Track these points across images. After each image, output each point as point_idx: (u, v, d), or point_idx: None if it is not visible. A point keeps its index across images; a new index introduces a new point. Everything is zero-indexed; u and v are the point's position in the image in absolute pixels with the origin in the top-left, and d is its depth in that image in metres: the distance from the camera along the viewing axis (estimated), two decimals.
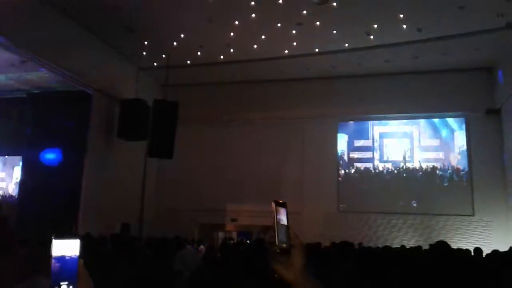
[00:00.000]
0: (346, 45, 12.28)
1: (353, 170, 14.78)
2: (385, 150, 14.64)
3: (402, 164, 14.37)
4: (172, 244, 6.58)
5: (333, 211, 14.13)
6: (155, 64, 13.57)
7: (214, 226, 15.18)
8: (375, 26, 11.17)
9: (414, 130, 14.54)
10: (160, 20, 11.12)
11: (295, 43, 12.25)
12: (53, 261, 1.00)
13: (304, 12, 10.65)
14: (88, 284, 1.05)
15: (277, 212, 1.21)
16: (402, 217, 13.75)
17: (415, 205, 13.89)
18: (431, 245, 3.46)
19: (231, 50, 12.72)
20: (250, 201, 13.65)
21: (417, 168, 14.19)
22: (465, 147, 13.84)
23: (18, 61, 10.84)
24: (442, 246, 3.40)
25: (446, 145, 14.15)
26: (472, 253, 6.39)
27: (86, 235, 6.96)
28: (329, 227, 12.88)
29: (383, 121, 14.78)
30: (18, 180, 12.84)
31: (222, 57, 13.21)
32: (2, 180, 13.57)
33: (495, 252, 5.54)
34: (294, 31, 11.60)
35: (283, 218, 1.21)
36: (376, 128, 14.84)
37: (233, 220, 14.79)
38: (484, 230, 12.96)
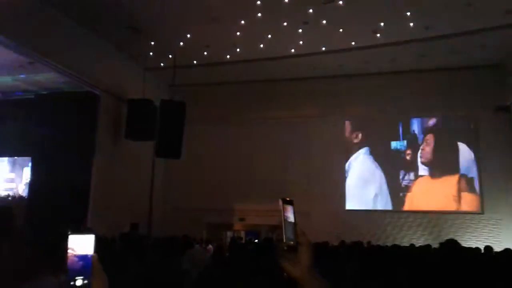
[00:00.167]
0: (353, 43, 12.24)
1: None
2: None
3: None
4: (181, 243, 6.59)
5: (341, 210, 14.10)
6: (161, 64, 13.61)
7: (222, 226, 15.18)
8: (382, 24, 11.12)
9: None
10: (166, 20, 11.15)
11: (301, 42, 12.23)
12: (69, 256, 1.02)
13: (310, 11, 10.63)
14: (102, 279, 1.07)
15: (284, 210, 1.22)
16: (411, 216, 13.68)
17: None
18: (441, 244, 3.44)
19: (238, 50, 12.73)
20: (258, 200, 13.65)
21: None
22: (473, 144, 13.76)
23: (26, 62, 10.91)
24: (452, 244, 3.38)
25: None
26: (482, 252, 6.34)
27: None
28: (337, 226, 12.85)
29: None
30: (28, 180, 12.93)
31: (228, 56, 13.22)
32: (12, 181, 13.69)
33: (508, 250, 5.49)
34: (300, 30, 11.58)
35: (290, 216, 1.22)
36: None
37: (241, 219, 14.81)
38: (494, 228, 12.87)
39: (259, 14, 10.82)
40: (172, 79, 13.38)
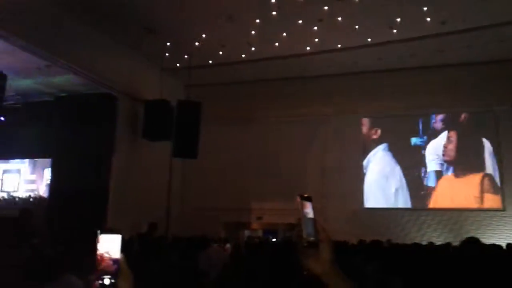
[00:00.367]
0: (369, 40, 12.14)
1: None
2: None
3: None
4: (198, 243, 6.63)
5: (358, 208, 14.01)
6: (177, 64, 13.69)
7: (239, 225, 15.23)
8: (398, 20, 11.00)
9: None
10: (182, 21, 11.22)
11: (316, 40, 12.17)
12: (97, 255, 1.04)
13: (325, 7, 10.57)
14: (129, 279, 1.08)
15: (302, 206, 1.22)
16: (431, 213, 13.52)
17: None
18: (462, 242, 3.40)
19: (253, 49, 12.73)
20: (275, 199, 13.65)
21: None
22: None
23: (44, 65, 11.07)
24: (473, 242, 3.33)
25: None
26: (504, 249, 6.23)
27: None
28: (355, 224, 12.77)
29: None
30: (48, 182, 13.15)
31: (243, 56, 13.24)
32: (33, 182, 13.93)
33: None
34: (315, 28, 11.53)
35: (309, 211, 1.22)
36: None
37: (259, 218, 14.82)
38: None
39: (274, 13, 10.80)
40: (188, 79, 13.47)
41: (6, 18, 8.64)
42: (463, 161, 13.70)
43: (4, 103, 9.75)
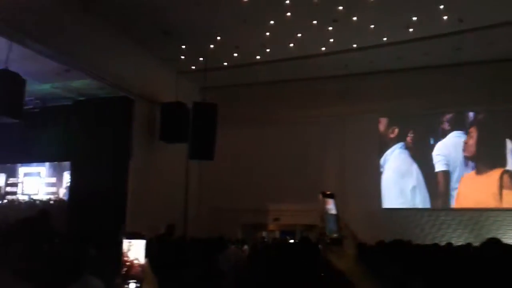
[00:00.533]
0: (385, 39, 12.04)
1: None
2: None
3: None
4: (216, 244, 6.66)
5: (376, 209, 13.90)
6: (193, 67, 13.78)
7: (256, 226, 15.24)
8: (414, 18, 10.90)
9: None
10: (196, 24, 11.27)
11: (331, 40, 12.13)
12: (123, 260, 1.06)
13: (340, 8, 10.52)
14: (153, 282, 1.10)
15: (324, 203, 1.22)
16: (451, 214, 13.34)
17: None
18: (483, 243, 3.35)
19: (267, 50, 12.74)
20: (292, 200, 13.64)
21: None
22: None
23: (63, 70, 11.24)
24: (494, 242, 3.28)
25: None
26: None
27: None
28: (373, 225, 12.66)
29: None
30: (68, 184, 13.34)
31: (258, 57, 13.26)
32: (53, 185, 14.14)
33: None
34: (330, 28, 11.49)
35: (331, 208, 1.22)
36: None
37: (276, 219, 14.81)
38: None
39: (288, 14, 10.79)
40: (203, 81, 13.54)
41: (25, 24, 8.80)
42: (484, 157, 13.50)
43: (24, 108, 9.91)
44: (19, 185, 14.55)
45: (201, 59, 13.09)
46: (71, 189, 12.95)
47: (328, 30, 11.56)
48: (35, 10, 8.96)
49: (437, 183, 13.90)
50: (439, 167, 13.98)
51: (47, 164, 14.34)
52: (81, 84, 12.24)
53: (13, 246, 1.94)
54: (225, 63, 13.64)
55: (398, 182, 14.31)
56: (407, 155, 14.37)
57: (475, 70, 13.02)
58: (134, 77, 12.07)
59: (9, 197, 14.50)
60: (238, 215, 14.38)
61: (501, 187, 13.14)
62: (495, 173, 13.29)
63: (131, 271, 1.07)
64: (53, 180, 14.17)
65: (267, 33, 11.78)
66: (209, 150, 12.52)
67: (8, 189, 14.62)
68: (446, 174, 13.89)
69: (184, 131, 12.67)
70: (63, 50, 9.94)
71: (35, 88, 11.77)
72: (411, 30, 11.37)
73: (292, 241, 10.94)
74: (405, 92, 13.70)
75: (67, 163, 13.44)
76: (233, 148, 14.63)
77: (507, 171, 13.20)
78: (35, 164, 14.46)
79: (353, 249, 1.19)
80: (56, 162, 14.09)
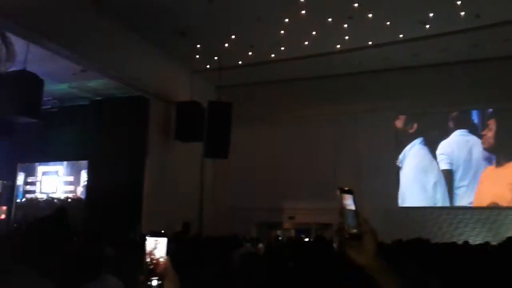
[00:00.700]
0: (401, 36, 11.93)
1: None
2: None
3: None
4: (232, 242, 6.68)
5: (393, 207, 13.78)
6: (208, 66, 13.83)
7: (271, 224, 15.25)
8: (431, 14, 10.76)
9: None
10: (211, 23, 11.31)
11: (347, 37, 12.05)
12: (146, 257, 1.08)
13: (356, 5, 10.44)
14: (174, 280, 1.12)
15: (342, 199, 1.23)
16: (469, 212, 13.16)
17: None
18: (502, 241, 3.30)
19: (282, 48, 12.71)
20: (307, 198, 13.61)
21: None
22: None
23: (79, 70, 11.39)
24: None
25: None
26: None
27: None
28: (390, 223, 12.55)
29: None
30: (85, 183, 13.53)
31: (273, 55, 13.24)
32: (71, 183, 14.35)
33: None
34: (345, 25, 11.41)
35: (349, 203, 1.23)
36: None
37: (291, 217, 14.79)
38: None
39: (303, 12, 10.75)
40: (218, 80, 13.58)
41: (42, 25, 8.93)
42: (503, 149, 13.33)
43: (42, 108, 10.06)
44: (38, 184, 14.80)
45: (215, 58, 13.12)
46: (89, 187, 13.14)
47: (343, 27, 11.48)
48: (52, 11, 9.08)
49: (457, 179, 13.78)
50: (442, 166, 13.89)
51: (65, 163, 14.56)
52: (98, 84, 12.40)
53: (32, 244, 1.97)
54: (240, 62, 13.66)
55: (419, 178, 14.17)
56: (427, 151, 14.24)
57: (491, 67, 12.80)
58: (150, 77, 12.17)
59: (28, 195, 14.76)
60: (252, 213, 14.39)
61: None
62: None
63: (153, 269, 1.09)
64: (71, 178, 14.37)
65: (282, 32, 11.75)
66: (223, 149, 12.57)
67: (27, 187, 14.89)
68: (450, 173, 13.77)
69: (199, 130, 12.74)
70: (80, 51, 10.07)
71: (53, 88, 11.95)
72: (427, 26, 11.23)
73: (307, 239, 10.92)
74: (421, 89, 13.55)
75: (84, 162, 13.64)
76: (247, 146, 14.64)
77: None
78: (53, 163, 14.70)
79: (372, 245, 1.20)
80: (73, 161, 14.30)
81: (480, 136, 13.79)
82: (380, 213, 13.12)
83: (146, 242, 1.10)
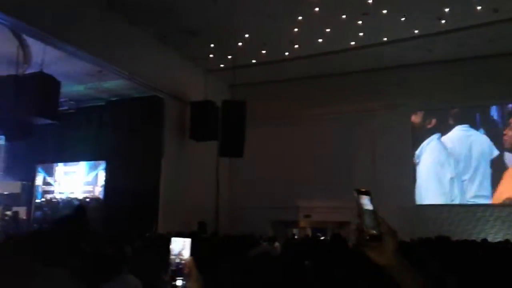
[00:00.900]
0: (416, 32, 11.79)
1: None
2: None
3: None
4: (248, 241, 6.68)
5: (410, 205, 13.63)
6: (221, 65, 13.86)
7: (287, 223, 15.21)
8: (447, 10, 10.61)
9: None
10: (224, 22, 11.32)
11: (361, 34, 11.95)
12: (171, 258, 1.09)
13: (370, 1, 10.35)
14: (198, 281, 1.13)
15: (360, 200, 1.23)
16: (488, 209, 12.95)
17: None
18: None
19: (296, 46, 12.67)
20: (323, 196, 13.53)
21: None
22: None
23: (95, 71, 11.51)
24: None
25: None
26: None
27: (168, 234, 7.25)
28: (407, 221, 12.42)
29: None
30: (103, 183, 13.68)
31: (286, 53, 13.21)
32: (89, 183, 14.53)
33: None
34: (360, 22, 11.32)
35: (367, 203, 1.23)
36: None
37: (307, 216, 14.72)
38: None
39: (317, 9, 10.70)
40: (232, 79, 13.60)
41: (58, 27, 9.04)
42: None
43: (59, 109, 10.20)
44: (56, 184, 15.01)
45: (229, 57, 13.14)
46: (106, 187, 13.28)
47: (357, 24, 11.40)
48: (68, 13, 9.20)
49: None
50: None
51: (83, 163, 14.74)
52: (113, 84, 12.52)
53: (57, 245, 2.00)
54: (254, 61, 13.66)
55: (437, 173, 14.00)
56: (444, 146, 14.07)
57: (510, 61, 12.56)
58: (164, 77, 12.25)
59: (47, 196, 14.99)
60: (268, 212, 14.35)
61: None
62: None
63: (177, 269, 1.11)
64: (89, 179, 14.55)
65: (295, 29, 11.71)
66: (238, 148, 12.58)
67: (46, 188, 15.11)
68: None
69: (214, 129, 12.78)
70: (95, 52, 10.17)
71: (69, 89, 12.10)
72: (443, 21, 11.09)
73: (323, 238, 10.87)
74: (437, 84, 13.38)
75: (102, 162, 13.80)
76: (262, 145, 14.62)
77: None
78: (71, 163, 14.89)
79: (392, 245, 1.19)
80: (91, 161, 14.48)
81: (499, 132, 13.54)
82: (397, 211, 13.00)
83: (170, 242, 1.12)
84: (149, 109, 12.69)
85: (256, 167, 14.57)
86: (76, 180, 14.74)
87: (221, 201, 14.70)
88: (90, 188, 14.42)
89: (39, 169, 15.23)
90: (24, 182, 14.85)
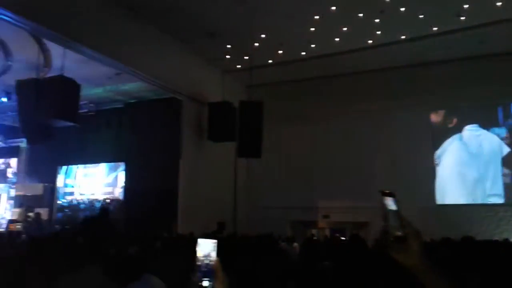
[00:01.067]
0: (435, 29, 11.64)
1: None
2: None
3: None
4: (267, 241, 6.69)
5: (430, 205, 13.45)
6: (238, 66, 13.90)
7: (306, 223, 15.17)
8: (466, 6, 10.45)
9: None
10: (240, 23, 11.34)
11: (378, 32, 11.85)
12: (198, 259, 1.11)
13: None
14: (225, 282, 1.15)
15: (384, 201, 1.24)
16: (510, 209, 12.70)
17: None
18: None
19: (312, 46, 12.62)
20: (342, 197, 13.46)
21: None
22: None
23: (113, 73, 11.66)
24: None
25: None
26: None
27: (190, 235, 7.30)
28: (427, 221, 12.25)
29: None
30: (123, 184, 13.85)
31: (303, 53, 13.17)
32: (109, 185, 14.73)
33: None
34: (377, 20, 11.23)
35: (391, 204, 1.24)
36: None
37: (325, 216, 14.66)
38: None
39: (333, 8, 10.65)
40: (249, 79, 13.62)
41: (77, 30, 9.16)
42: None
43: (79, 111, 10.35)
44: (77, 185, 15.26)
45: (246, 57, 13.17)
46: (126, 189, 13.45)
47: (375, 22, 11.30)
48: (87, 17, 9.32)
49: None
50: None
51: (102, 165, 14.96)
52: (132, 87, 12.67)
53: (78, 245, 2.03)
54: (270, 61, 13.66)
55: (459, 173, 13.80)
56: (466, 146, 13.86)
57: None
58: (182, 78, 12.33)
59: (68, 197, 15.24)
60: (286, 212, 14.34)
61: None
62: None
63: (204, 269, 1.12)
64: (109, 180, 14.75)
65: (312, 29, 11.67)
66: (256, 148, 12.59)
67: (67, 189, 15.37)
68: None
69: (231, 130, 12.81)
70: (114, 55, 10.29)
71: (89, 92, 12.29)
72: (462, 18, 10.92)
73: (343, 238, 10.81)
74: (457, 83, 13.18)
75: (121, 164, 13.98)
76: (280, 145, 14.61)
77: None
78: (91, 165, 15.13)
79: (417, 246, 1.20)
80: (111, 163, 14.68)
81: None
82: (418, 211, 12.79)
83: (196, 243, 1.13)
84: (168, 110, 12.80)
85: (274, 167, 14.58)
86: (96, 182, 14.96)
87: (239, 201, 14.74)
88: (110, 189, 14.62)
89: (60, 171, 15.51)
90: (45, 184, 15.15)
